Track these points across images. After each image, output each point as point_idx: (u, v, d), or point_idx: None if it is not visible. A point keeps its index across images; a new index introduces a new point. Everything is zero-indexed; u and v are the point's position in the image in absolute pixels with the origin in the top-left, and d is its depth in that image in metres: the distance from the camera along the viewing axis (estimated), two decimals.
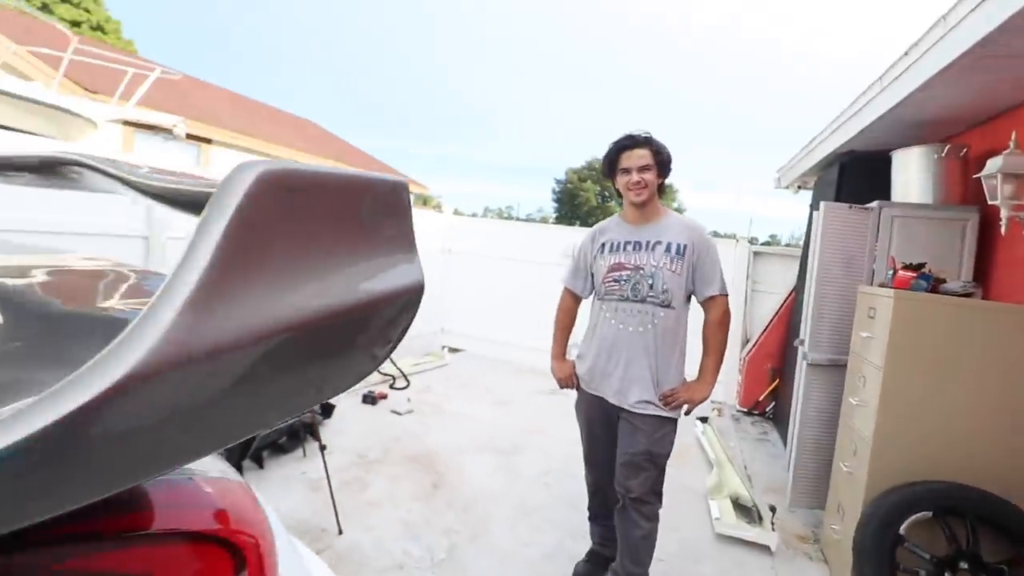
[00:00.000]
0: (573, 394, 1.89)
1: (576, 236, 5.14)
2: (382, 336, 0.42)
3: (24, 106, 3.36)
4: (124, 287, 0.64)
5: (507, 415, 3.63)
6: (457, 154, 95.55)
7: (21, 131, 3.19)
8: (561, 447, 3.07)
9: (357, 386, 2.35)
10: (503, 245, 5.26)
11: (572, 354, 1.92)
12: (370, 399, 3.59)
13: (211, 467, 0.48)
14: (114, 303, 0.58)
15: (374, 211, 0.40)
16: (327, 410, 3.20)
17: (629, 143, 1.69)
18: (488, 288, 5.28)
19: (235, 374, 0.29)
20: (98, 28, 15.32)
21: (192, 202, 0.34)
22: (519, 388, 4.28)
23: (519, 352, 4.97)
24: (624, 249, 1.72)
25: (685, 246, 1.65)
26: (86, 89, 5.64)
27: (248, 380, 0.30)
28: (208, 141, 7.35)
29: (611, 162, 1.73)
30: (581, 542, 2.08)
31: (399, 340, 0.44)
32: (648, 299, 1.66)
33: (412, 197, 0.47)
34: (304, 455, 2.70)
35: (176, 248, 2.82)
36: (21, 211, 2.17)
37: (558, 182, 26.63)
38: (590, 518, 1.97)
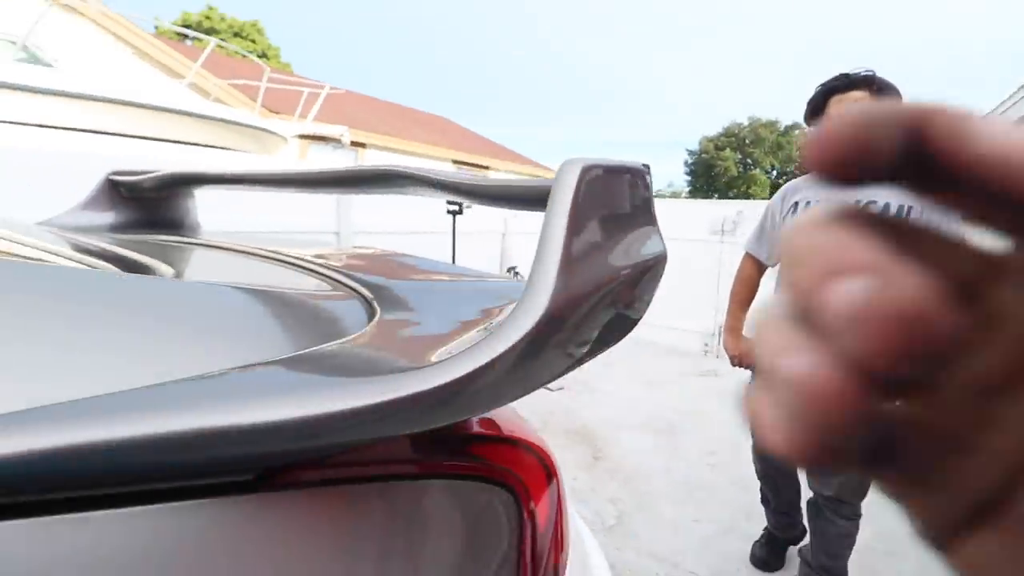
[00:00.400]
0: (727, 376, 1.81)
1: (721, 209, 4.84)
2: (644, 298, 0.48)
3: (239, 130, 4.06)
4: (403, 262, 0.78)
5: (660, 395, 3.58)
6: (582, 135, 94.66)
7: (234, 150, 3.86)
8: (723, 430, 2.96)
9: None
10: None
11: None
12: None
13: None
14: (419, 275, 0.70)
15: (634, 189, 0.47)
16: None
17: (842, 84, 1.40)
18: None
19: (583, 318, 0.38)
20: (263, 55, 17.80)
21: (533, 198, 0.43)
22: (667, 369, 4.19)
23: (661, 333, 4.84)
24: None
25: (909, 208, 1.29)
26: (271, 110, 6.62)
27: (588, 324, 0.39)
28: (363, 146, 8.20)
29: (816, 108, 1.46)
30: (756, 522, 2.00)
31: (648, 304, 0.50)
32: None
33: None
34: None
35: (361, 241, 3.22)
36: (228, 223, 2.57)
37: (691, 153, 25.08)
38: (762, 501, 1.88)
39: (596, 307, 0.39)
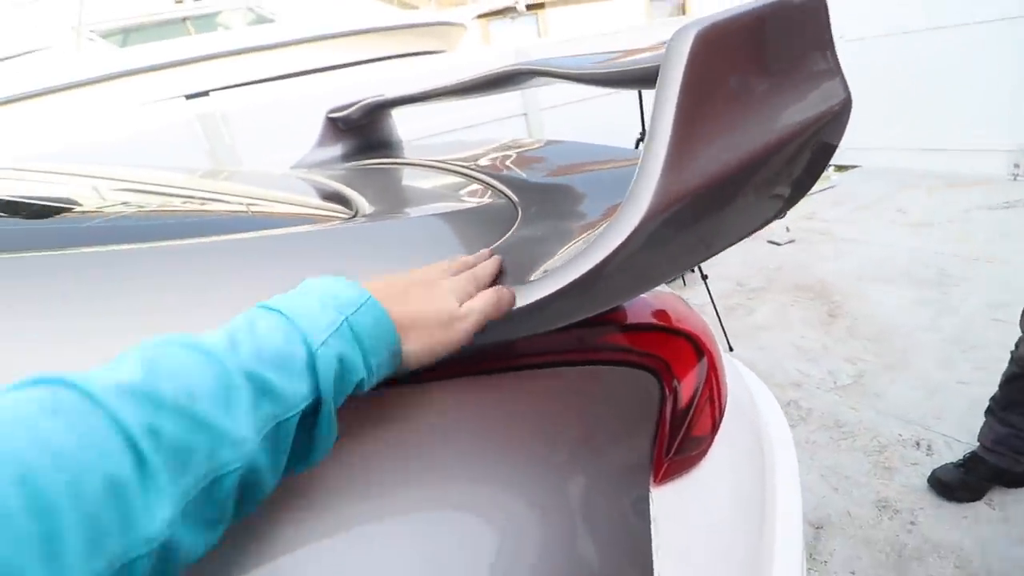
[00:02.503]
0: None
1: None
2: (815, 162, 0.41)
3: (421, 32, 4.25)
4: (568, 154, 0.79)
5: (930, 240, 2.91)
6: None
7: (421, 53, 4.07)
8: (1021, 277, 2.32)
9: None
10: (891, 13, 3.82)
11: None
12: None
13: None
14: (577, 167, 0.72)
15: (791, 33, 0.38)
16: None
17: None
18: (881, 79, 3.87)
19: (705, 209, 0.35)
20: None
21: (641, 78, 0.39)
22: (947, 205, 3.32)
23: (939, 159, 3.76)
24: None
25: None
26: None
27: (711, 215, 0.36)
28: (541, 7, 7.74)
29: None
30: None
31: (828, 161, 0.42)
32: None
33: None
34: (684, 284, 2.89)
35: (552, 118, 3.22)
36: (423, 122, 2.64)
37: None
38: (993, 410, 1.41)
39: (729, 190, 0.36)
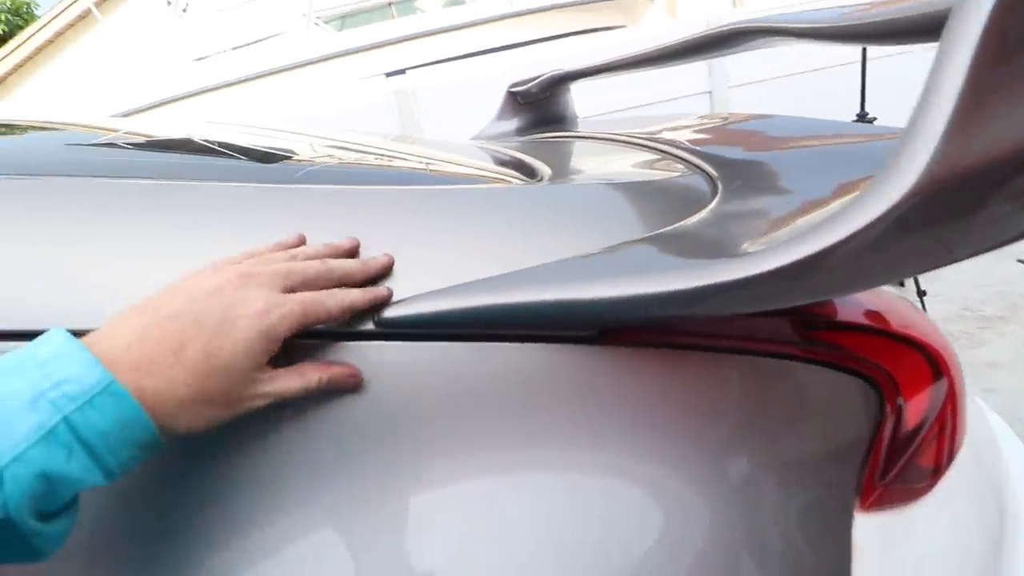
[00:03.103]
0: None
1: None
2: None
3: (604, 7, 4.16)
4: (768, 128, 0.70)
5: None
6: None
7: (605, 28, 3.99)
8: None
9: None
10: None
11: None
12: None
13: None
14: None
15: None
16: None
17: None
18: None
19: (997, 190, 0.27)
20: None
21: (918, 27, 0.32)
22: None
23: None
24: None
25: None
26: None
27: (1004, 198, 0.28)
28: None
29: None
30: None
31: None
32: None
33: None
34: None
35: (739, 98, 2.94)
36: (601, 98, 2.53)
37: None
38: None
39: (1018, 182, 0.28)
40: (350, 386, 0.32)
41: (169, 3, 6.39)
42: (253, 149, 0.69)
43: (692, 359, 0.36)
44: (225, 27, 4.93)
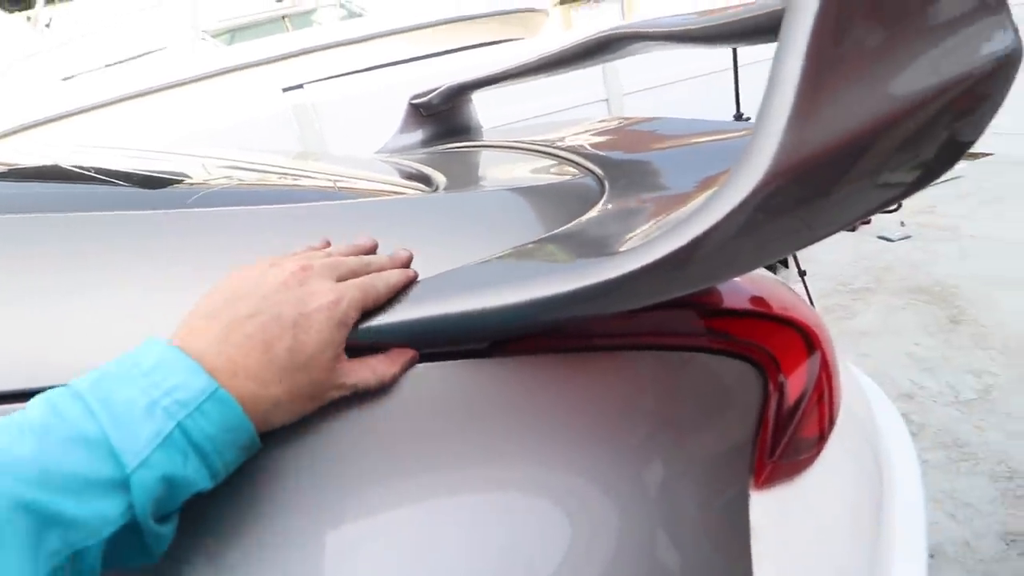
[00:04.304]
0: None
1: None
2: (970, 125, 0.34)
3: (503, 20, 4.24)
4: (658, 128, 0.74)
5: None
6: None
7: (504, 41, 4.07)
8: None
9: None
10: None
11: None
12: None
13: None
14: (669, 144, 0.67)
15: None
16: None
17: None
18: None
19: (840, 173, 0.30)
20: None
21: (760, 27, 0.34)
22: None
23: None
24: None
25: None
26: None
27: (849, 180, 0.30)
28: None
29: None
30: None
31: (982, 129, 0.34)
32: None
33: None
34: None
35: (633, 104, 3.10)
36: (503, 109, 2.51)
37: None
38: None
39: (866, 154, 0.30)
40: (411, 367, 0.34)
41: (29, 18, 5.74)
42: (137, 174, 0.64)
43: (578, 362, 0.37)
44: (96, 43, 4.50)
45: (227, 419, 0.27)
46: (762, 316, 0.43)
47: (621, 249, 0.34)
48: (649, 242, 0.30)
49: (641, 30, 0.47)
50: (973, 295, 2.22)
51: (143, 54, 4.25)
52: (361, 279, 0.33)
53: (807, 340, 0.44)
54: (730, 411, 0.39)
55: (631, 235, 0.36)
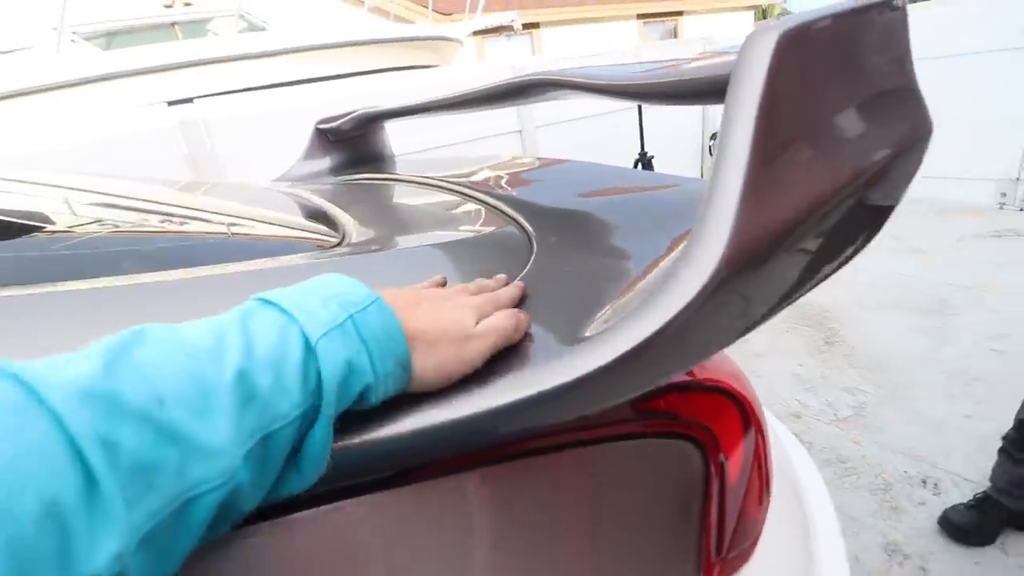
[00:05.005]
0: None
1: None
2: (893, 192, 0.36)
3: (417, 46, 4.22)
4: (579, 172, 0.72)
5: (927, 268, 2.90)
6: None
7: (417, 67, 4.03)
8: (1021, 307, 2.31)
9: None
10: None
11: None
12: None
13: None
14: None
15: (874, 41, 0.33)
16: None
17: None
18: None
19: (799, 251, 0.29)
20: None
21: (702, 90, 0.33)
22: (943, 233, 3.32)
23: (935, 186, 3.74)
24: None
25: None
26: (442, 14, 6.63)
27: (806, 254, 0.30)
28: (536, 27, 7.79)
29: None
30: None
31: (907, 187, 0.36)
32: None
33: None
34: None
35: (544, 136, 3.18)
36: (415, 136, 2.46)
37: None
38: (1007, 450, 1.33)
39: (808, 236, 0.30)
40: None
41: None
42: None
43: (510, 471, 0.32)
44: None
45: (388, 326, 0.29)
46: (697, 387, 0.41)
47: (582, 335, 0.30)
48: (610, 328, 0.27)
49: (563, 79, 0.44)
50: (843, 318, 2.49)
51: (2, 52, 3.69)
52: (501, 317, 0.34)
53: (742, 411, 0.43)
54: (674, 502, 0.36)
55: (579, 309, 0.33)
